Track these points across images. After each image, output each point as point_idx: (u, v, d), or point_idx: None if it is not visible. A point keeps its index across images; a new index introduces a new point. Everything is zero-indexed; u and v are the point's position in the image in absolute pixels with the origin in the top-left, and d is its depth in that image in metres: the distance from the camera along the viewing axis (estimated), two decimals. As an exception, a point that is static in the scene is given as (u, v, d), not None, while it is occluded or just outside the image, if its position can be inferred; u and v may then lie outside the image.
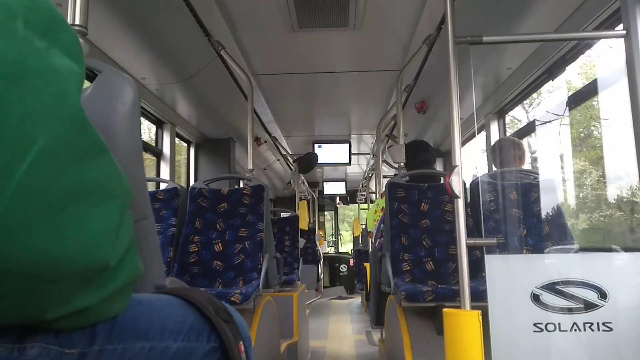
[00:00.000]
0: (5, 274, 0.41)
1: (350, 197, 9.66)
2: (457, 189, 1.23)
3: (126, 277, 0.55)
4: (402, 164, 2.90)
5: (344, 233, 12.20)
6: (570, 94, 2.56)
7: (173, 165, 3.75)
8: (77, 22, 1.06)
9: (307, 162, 5.36)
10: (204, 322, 0.65)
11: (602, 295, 1.21)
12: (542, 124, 3.01)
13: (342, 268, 9.28)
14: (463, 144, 4.36)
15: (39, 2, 0.44)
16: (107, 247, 0.48)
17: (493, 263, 1.25)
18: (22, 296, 0.44)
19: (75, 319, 0.52)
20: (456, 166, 1.25)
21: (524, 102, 3.24)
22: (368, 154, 6.38)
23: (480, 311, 1.17)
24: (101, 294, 0.51)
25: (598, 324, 1.20)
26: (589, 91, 2.43)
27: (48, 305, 0.47)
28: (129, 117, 0.75)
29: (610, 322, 1.20)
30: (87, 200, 0.46)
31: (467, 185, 2.43)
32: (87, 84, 0.74)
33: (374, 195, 7.22)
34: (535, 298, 1.22)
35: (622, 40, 1.26)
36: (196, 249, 2.47)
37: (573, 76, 2.59)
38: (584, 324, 1.20)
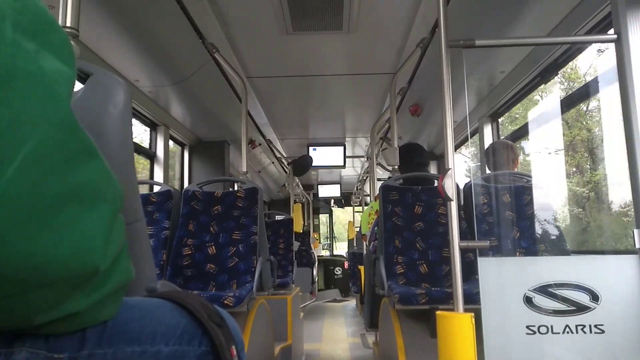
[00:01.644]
0: None
1: (345, 199, 9.66)
2: (450, 191, 1.23)
3: (117, 282, 0.54)
4: (396, 167, 2.90)
5: (338, 236, 12.21)
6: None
7: (167, 168, 3.74)
8: (68, 24, 1.05)
9: (301, 165, 5.37)
10: (196, 326, 0.65)
11: (594, 297, 1.22)
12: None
13: (336, 271, 9.28)
14: (457, 147, 4.38)
15: (29, 3, 0.44)
16: (98, 251, 0.48)
17: (486, 266, 1.25)
18: (11, 301, 0.43)
19: (65, 324, 0.51)
20: (449, 169, 1.25)
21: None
22: (363, 156, 6.38)
23: (473, 314, 1.17)
24: (91, 299, 0.51)
25: (590, 326, 1.20)
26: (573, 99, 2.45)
27: (37, 310, 0.47)
28: (120, 120, 0.75)
29: (602, 325, 1.20)
30: (77, 204, 0.45)
31: (461, 188, 2.44)
32: (78, 86, 0.74)
33: (368, 198, 7.22)
34: (528, 300, 1.22)
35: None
36: (189, 252, 2.46)
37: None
38: (576, 326, 1.21)
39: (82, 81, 0.76)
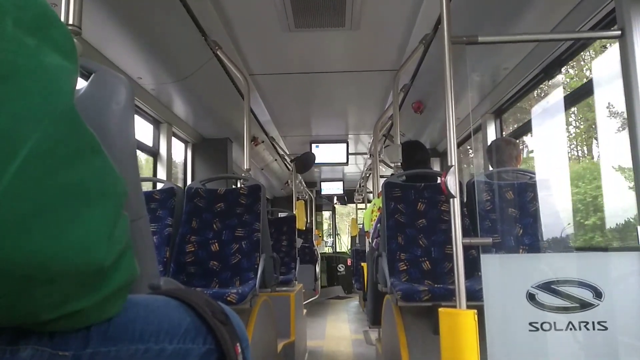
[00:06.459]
0: None
1: (347, 196, 9.67)
2: (453, 188, 1.23)
3: (122, 280, 0.54)
4: (399, 164, 2.90)
5: (340, 233, 12.21)
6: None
7: (170, 165, 3.75)
8: (70, 21, 1.06)
9: (304, 162, 5.37)
10: (201, 324, 0.65)
11: (598, 294, 1.21)
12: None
13: (339, 268, 9.28)
14: (459, 144, 4.37)
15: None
16: (102, 247, 0.47)
17: (489, 262, 1.25)
18: (16, 298, 0.43)
19: (70, 321, 0.51)
20: (452, 166, 1.25)
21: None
22: (365, 153, 6.38)
23: (475, 310, 1.17)
24: (96, 296, 0.51)
25: (593, 323, 1.20)
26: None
27: (42, 307, 0.47)
28: (123, 117, 0.75)
29: (606, 322, 1.20)
30: (81, 200, 0.45)
31: (464, 185, 2.44)
32: (81, 83, 0.74)
33: (371, 195, 7.22)
34: (531, 297, 1.22)
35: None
36: (193, 249, 2.47)
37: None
38: (580, 323, 1.20)
39: (85, 79, 0.76)
